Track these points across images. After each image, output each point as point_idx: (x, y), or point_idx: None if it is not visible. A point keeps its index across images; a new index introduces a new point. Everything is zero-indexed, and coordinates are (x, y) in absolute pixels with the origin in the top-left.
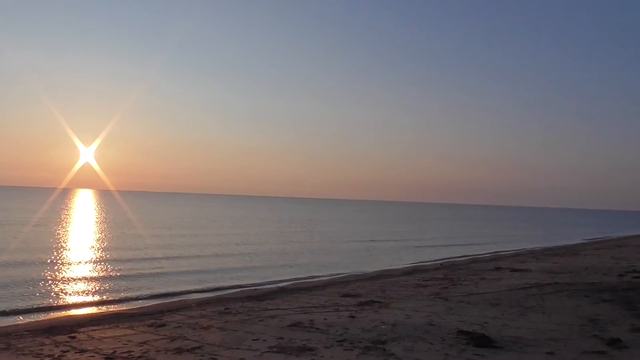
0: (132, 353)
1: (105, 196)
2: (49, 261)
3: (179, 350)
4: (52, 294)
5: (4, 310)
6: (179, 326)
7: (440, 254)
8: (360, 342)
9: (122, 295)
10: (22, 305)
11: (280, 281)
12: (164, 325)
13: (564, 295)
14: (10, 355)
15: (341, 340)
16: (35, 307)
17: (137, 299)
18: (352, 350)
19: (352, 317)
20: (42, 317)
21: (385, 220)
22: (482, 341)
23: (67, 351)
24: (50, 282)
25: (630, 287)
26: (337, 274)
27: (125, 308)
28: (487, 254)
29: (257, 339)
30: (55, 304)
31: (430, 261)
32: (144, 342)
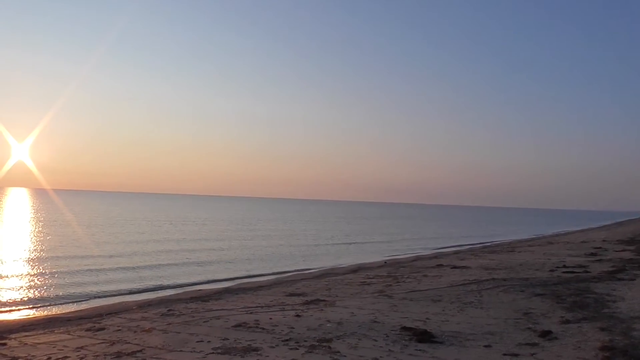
0: (68, 359)
1: (40, 195)
2: None
3: (118, 355)
4: None
5: None
6: (119, 329)
7: (385, 252)
8: (305, 340)
9: (58, 298)
10: None
11: (225, 281)
12: (102, 328)
13: (501, 290)
14: None
15: (287, 340)
16: None
17: (74, 302)
18: (297, 349)
19: (297, 316)
20: None
21: (335, 219)
22: (424, 337)
23: None
24: None
25: (559, 281)
26: (283, 273)
27: (61, 312)
28: (430, 251)
29: (201, 341)
30: None
31: (375, 259)
32: (81, 347)
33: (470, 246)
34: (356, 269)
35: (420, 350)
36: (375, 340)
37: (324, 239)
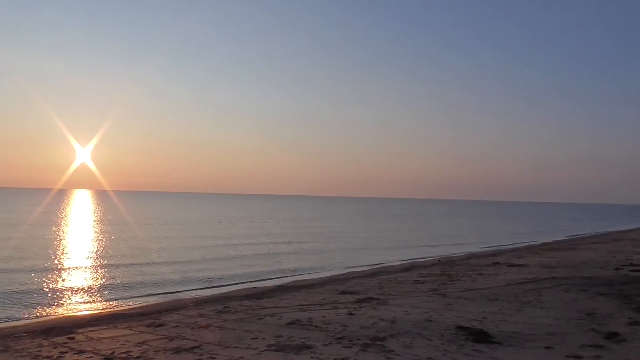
0: (130, 353)
1: (102, 196)
2: (44, 262)
3: (177, 350)
4: (50, 294)
5: (2, 311)
6: (177, 325)
7: (438, 250)
8: (359, 339)
9: (120, 295)
10: (19, 306)
11: (277, 279)
12: (162, 324)
13: (562, 289)
14: (8, 357)
15: (340, 338)
16: (32, 308)
17: (134, 298)
18: (351, 347)
19: (350, 314)
20: (40, 318)
21: (381, 217)
22: (480, 336)
23: (66, 352)
24: (47, 283)
25: (627, 280)
26: (335, 271)
27: (123, 308)
28: (485, 249)
29: (256, 338)
30: (52, 305)
31: (428, 257)
32: (143, 342)
33: (528, 244)
34: (409, 267)
35: (477, 350)
36: (430, 340)
37: (373, 236)
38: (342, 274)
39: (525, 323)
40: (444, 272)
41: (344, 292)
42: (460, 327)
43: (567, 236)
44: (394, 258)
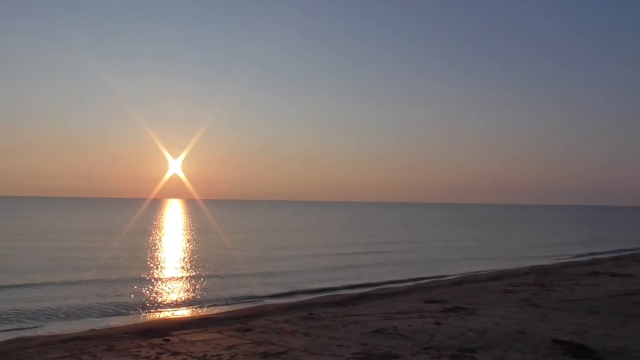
0: (221, 357)
1: (191, 205)
2: (139, 270)
3: (265, 355)
4: (145, 299)
5: (106, 314)
6: (264, 331)
7: (526, 258)
8: (447, 349)
9: (209, 300)
10: (119, 309)
11: (361, 287)
12: (250, 329)
13: None
14: (112, 356)
15: (427, 348)
16: (131, 311)
17: (223, 304)
18: (439, 358)
19: (437, 323)
20: (138, 321)
21: (459, 223)
22: (580, 351)
23: (162, 353)
24: (142, 289)
25: None
26: (419, 280)
27: (212, 312)
28: (581, 258)
29: (341, 345)
30: (149, 309)
31: (518, 265)
32: (232, 347)
33: (631, 252)
34: (498, 276)
35: None
36: (524, 353)
37: (455, 244)
38: (426, 283)
39: (632, 338)
40: (537, 281)
41: (429, 301)
42: (556, 341)
43: None
44: (480, 266)
